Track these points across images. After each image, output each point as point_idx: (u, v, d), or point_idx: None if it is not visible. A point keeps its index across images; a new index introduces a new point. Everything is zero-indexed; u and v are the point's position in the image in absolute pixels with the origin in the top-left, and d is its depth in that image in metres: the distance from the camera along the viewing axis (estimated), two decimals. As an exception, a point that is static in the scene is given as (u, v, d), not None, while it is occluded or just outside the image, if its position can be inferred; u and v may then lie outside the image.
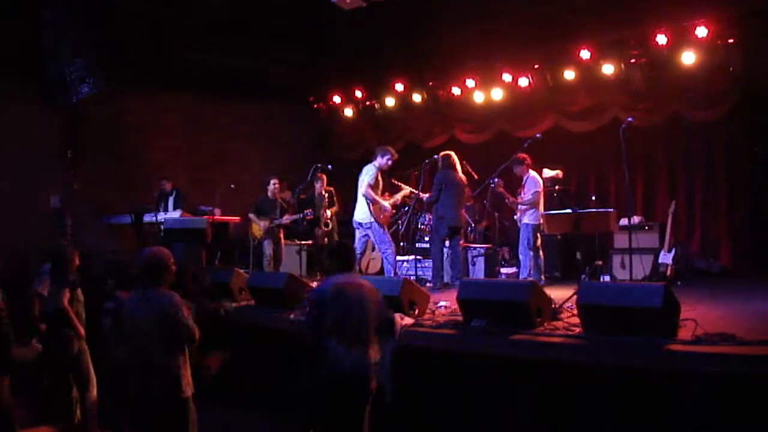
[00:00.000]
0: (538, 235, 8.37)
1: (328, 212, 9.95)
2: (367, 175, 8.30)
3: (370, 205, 8.22)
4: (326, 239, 10.09)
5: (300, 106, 12.87)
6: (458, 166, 8.58)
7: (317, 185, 10.04)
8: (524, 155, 8.38)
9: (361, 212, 8.30)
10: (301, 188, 9.87)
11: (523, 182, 8.48)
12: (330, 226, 9.94)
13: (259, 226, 9.76)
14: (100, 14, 8.60)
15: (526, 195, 8.33)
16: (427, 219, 9.91)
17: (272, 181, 9.87)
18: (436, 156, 8.84)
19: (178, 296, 4.29)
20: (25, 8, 8.70)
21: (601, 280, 8.61)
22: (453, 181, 8.46)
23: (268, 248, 9.69)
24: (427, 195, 8.80)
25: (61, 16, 8.68)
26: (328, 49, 11.49)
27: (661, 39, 8.77)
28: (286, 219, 9.73)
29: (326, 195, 10.06)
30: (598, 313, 4.82)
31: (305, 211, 9.72)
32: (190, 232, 9.28)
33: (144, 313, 4.18)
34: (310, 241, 10.65)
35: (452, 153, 8.75)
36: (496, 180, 8.33)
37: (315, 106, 12.99)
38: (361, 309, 4.37)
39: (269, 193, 9.85)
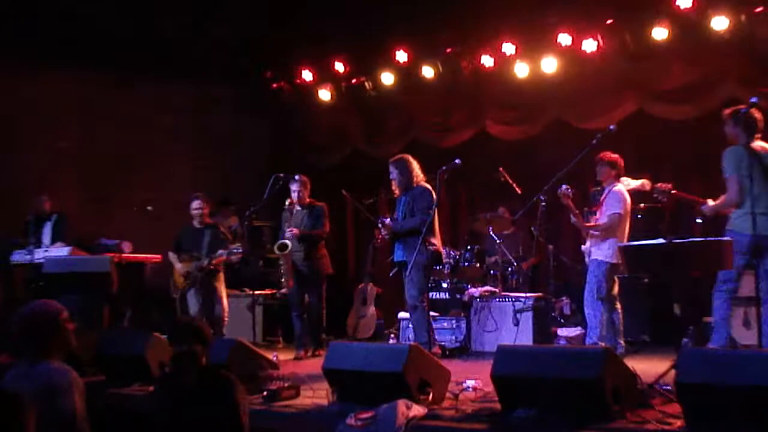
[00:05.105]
0: (615, 278, 8.32)
1: (294, 230, 9.40)
2: None
3: None
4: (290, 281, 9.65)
5: (251, 86, 13.00)
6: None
7: (293, 188, 9.58)
8: (614, 156, 8.30)
9: None
10: (254, 210, 9.76)
11: (602, 197, 8.42)
12: (290, 248, 9.37)
13: (176, 270, 9.58)
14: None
15: (603, 217, 8.27)
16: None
17: (196, 201, 9.72)
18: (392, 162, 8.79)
19: (75, 373, 4.36)
20: None
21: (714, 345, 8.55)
22: (435, 198, 8.50)
23: (194, 302, 9.54)
24: (388, 219, 8.81)
25: None
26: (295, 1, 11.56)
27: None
28: (218, 256, 9.36)
29: (304, 208, 9.58)
30: (709, 397, 4.83)
31: (231, 247, 9.37)
32: (85, 279, 9.33)
33: (26, 393, 4.16)
34: (267, 291, 10.53)
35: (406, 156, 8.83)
36: (565, 187, 8.21)
37: (274, 85, 13.10)
38: None
39: (195, 221, 9.71)
